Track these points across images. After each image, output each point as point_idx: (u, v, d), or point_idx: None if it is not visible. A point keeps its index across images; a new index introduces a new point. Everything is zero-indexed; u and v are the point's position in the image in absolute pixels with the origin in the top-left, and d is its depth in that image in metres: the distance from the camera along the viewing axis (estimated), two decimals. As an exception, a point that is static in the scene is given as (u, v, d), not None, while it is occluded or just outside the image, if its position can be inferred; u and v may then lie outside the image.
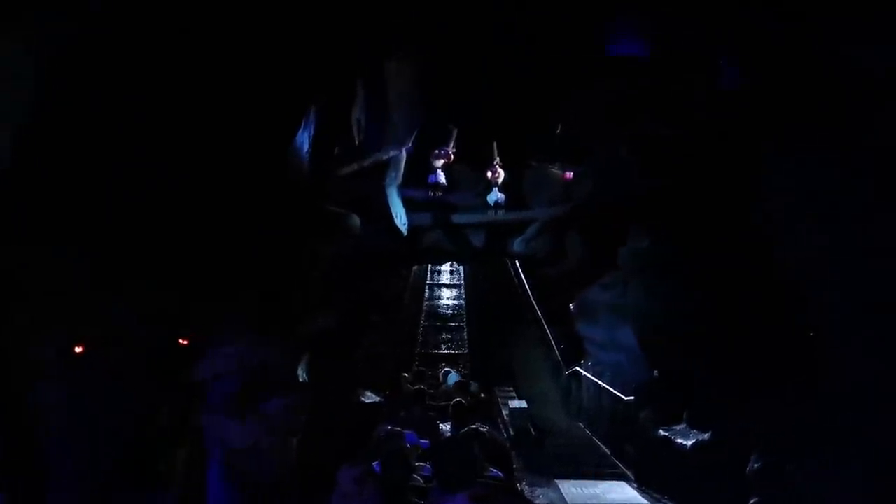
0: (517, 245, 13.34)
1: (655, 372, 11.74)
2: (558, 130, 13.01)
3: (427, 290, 23.55)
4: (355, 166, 11.04)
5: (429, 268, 24.56)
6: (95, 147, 7.31)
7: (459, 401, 7.61)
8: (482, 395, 11.80)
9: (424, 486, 4.77)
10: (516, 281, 21.90)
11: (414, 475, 4.93)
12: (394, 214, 11.67)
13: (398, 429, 5.55)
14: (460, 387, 11.39)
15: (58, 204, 7.30)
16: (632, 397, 11.69)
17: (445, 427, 8.28)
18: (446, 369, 13.82)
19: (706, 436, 9.25)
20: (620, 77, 10.30)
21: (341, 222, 10.93)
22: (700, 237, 11.03)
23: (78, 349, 8.14)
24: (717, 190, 10.47)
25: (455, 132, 13.07)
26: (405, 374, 10.94)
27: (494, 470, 4.50)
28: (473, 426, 4.91)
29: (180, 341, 8.88)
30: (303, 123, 8.94)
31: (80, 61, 6.97)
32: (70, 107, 7.06)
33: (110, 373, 8.16)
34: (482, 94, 12.08)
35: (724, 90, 9.68)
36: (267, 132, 8.45)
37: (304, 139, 9.14)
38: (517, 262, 21.29)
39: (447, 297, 23.37)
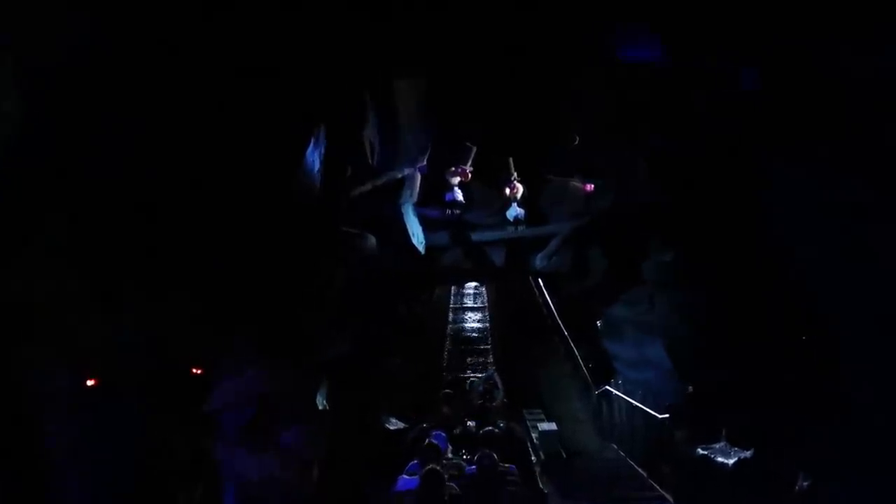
0: (539, 260, 12.91)
1: (690, 388, 11.20)
2: (576, 142, 12.66)
3: (451, 314, 23.19)
4: (369, 186, 10.79)
5: (451, 291, 24.27)
6: (102, 168, 7.11)
7: (490, 429, 7.32)
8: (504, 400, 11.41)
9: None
10: (540, 300, 21.43)
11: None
12: (410, 233, 11.37)
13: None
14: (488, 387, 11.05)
15: (62, 229, 7.11)
16: (666, 415, 11.10)
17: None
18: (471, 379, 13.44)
19: (748, 453, 8.72)
20: (637, 85, 9.95)
21: (356, 243, 10.65)
22: (724, 248, 10.63)
23: (89, 382, 7.96)
24: (739, 199, 10.09)
25: (473, 150, 12.78)
26: (447, 391, 10.43)
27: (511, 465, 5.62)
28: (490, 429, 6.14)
29: (193, 370, 8.63)
30: (312, 142, 8.70)
31: (87, 78, 6.79)
32: (76, 126, 6.87)
33: (121, 406, 7.93)
34: (494, 109, 11.79)
35: (743, 93, 9.28)
36: (276, 151, 8.24)
37: (314, 158, 8.91)
38: (539, 279, 20.92)
39: (471, 320, 22.93)
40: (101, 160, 7.03)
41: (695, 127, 9.95)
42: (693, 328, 11.59)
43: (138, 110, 7.14)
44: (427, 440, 6.39)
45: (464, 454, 7.21)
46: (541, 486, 7.41)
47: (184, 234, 7.82)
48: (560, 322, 19.05)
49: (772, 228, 9.70)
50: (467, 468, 5.98)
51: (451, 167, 12.92)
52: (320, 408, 10.46)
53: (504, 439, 7.05)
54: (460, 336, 21.47)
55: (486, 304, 23.51)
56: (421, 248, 11.30)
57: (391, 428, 13.47)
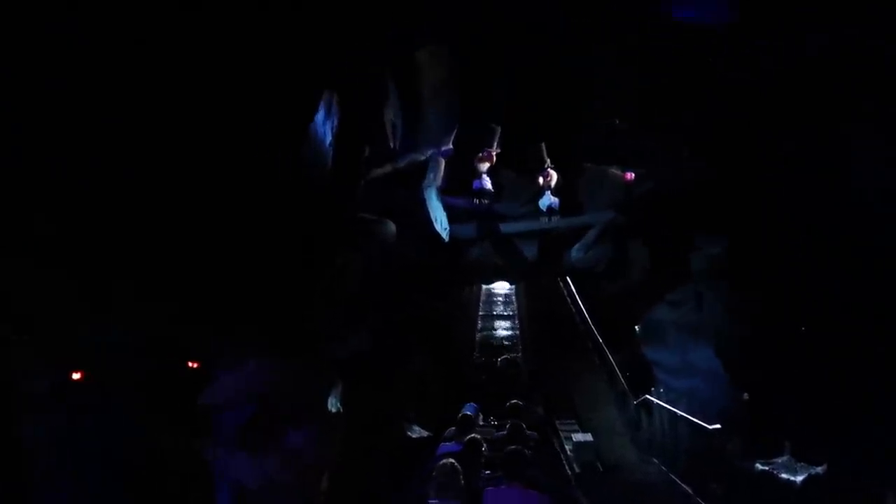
0: (575, 252, 11.85)
1: (745, 395, 10.08)
2: (615, 125, 11.63)
3: (480, 321, 22.39)
4: (389, 168, 9.89)
5: (480, 298, 23.44)
6: (93, 154, 6.33)
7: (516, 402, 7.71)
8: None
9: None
10: (572, 304, 20.43)
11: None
12: (433, 219, 10.42)
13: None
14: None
15: (49, 219, 6.36)
16: (717, 426, 9.98)
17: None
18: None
19: (820, 469, 7.56)
20: (686, 52, 8.89)
21: (373, 229, 9.76)
22: (783, 236, 9.57)
23: (75, 376, 7.21)
24: (799, 181, 9.00)
25: (498, 131, 11.80)
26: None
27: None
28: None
29: (189, 364, 7.79)
30: (322, 110, 7.82)
31: (73, 54, 6.05)
32: (62, 107, 6.12)
33: (109, 404, 7.18)
34: (525, 87, 10.80)
35: (808, 60, 8.17)
36: (281, 118, 7.36)
37: (325, 130, 8.03)
38: (570, 281, 19.92)
39: (501, 328, 22.22)
40: (90, 143, 6.27)
41: (750, 101, 8.85)
42: (748, 328, 10.62)
43: (128, 92, 6.34)
44: (461, 412, 7.00)
45: (493, 421, 8.47)
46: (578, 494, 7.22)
47: (180, 215, 6.98)
48: (593, 327, 18.06)
49: (839, 213, 8.60)
50: (495, 433, 6.92)
51: (477, 153, 11.95)
52: (333, 410, 9.55)
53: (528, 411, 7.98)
54: (489, 344, 20.61)
55: (517, 313, 22.74)
56: (445, 234, 10.35)
57: (413, 436, 12.56)
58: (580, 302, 19.46)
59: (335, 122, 8.19)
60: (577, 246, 11.70)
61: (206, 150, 6.88)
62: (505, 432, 6.45)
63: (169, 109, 6.59)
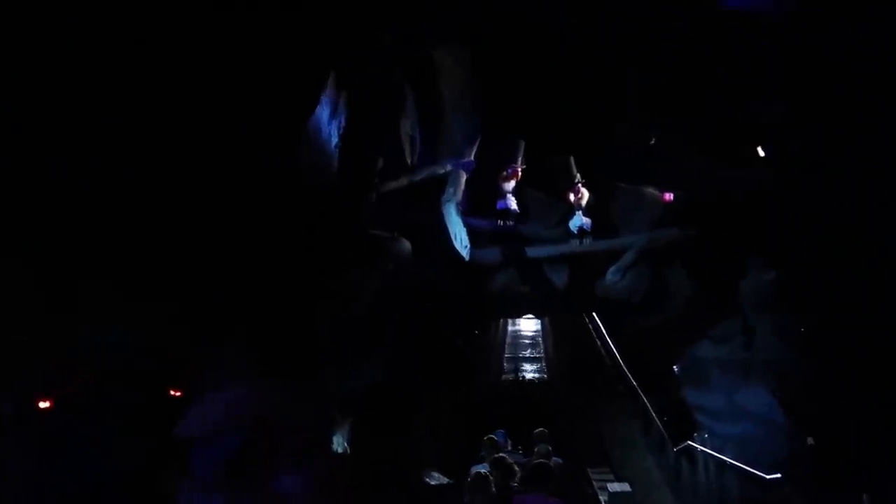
0: (610, 276, 10.72)
1: (810, 440, 8.83)
2: (652, 141, 10.65)
3: (505, 363, 21.29)
4: (405, 181, 8.99)
5: (506, 339, 22.38)
6: (76, 156, 5.60)
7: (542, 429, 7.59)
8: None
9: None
10: (602, 348, 19.24)
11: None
12: (452, 236, 9.46)
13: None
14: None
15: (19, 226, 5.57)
16: (777, 475, 8.70)
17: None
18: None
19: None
20: (733, 49, 7.95)
21: (387, 247, 8.81)
22: (850, 259, 8.45)
23: (43, 404, 6.32)
24: (870, 194, 7.91)
25: (522, 145, 10.88)
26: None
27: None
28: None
29: (170, 391, 6.81)
30: (327, 106, 6.98)
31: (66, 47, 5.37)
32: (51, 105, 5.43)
33: (74, 434, 6.24)
34: (551, 94, 9.89)
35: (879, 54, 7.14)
36: (278, 113, 6.51)
37: (331, 129, 7.18)
38: (600, 319, 18.74)
39: (528, 370, 20.99)
40: (76, 142, 5.56)
41: (809, 104, 7.85)
42: (810, 363, 9.34)
43: (114, 91, 5.62)
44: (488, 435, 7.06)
45: (519, 449, 8.47)
46: None
47: (164, 214, 6.14)
48: (626, 368, 16.79)
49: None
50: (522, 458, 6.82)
51: (501, 170, 11.01)
52: (339, 450, 8.46)
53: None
54: (515, 389, 19.44)
55: (544, 354, 21.65)
56: (465, 253, 9.38)
57: (432, 483, 11.35)
58: (609, 340, 18.24)
59: (342, 123, 7.34)
60: (612, 269, 10.60)
61: (196, 147, 6.08)
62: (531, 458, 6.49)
63: (155, 99, 5.83)
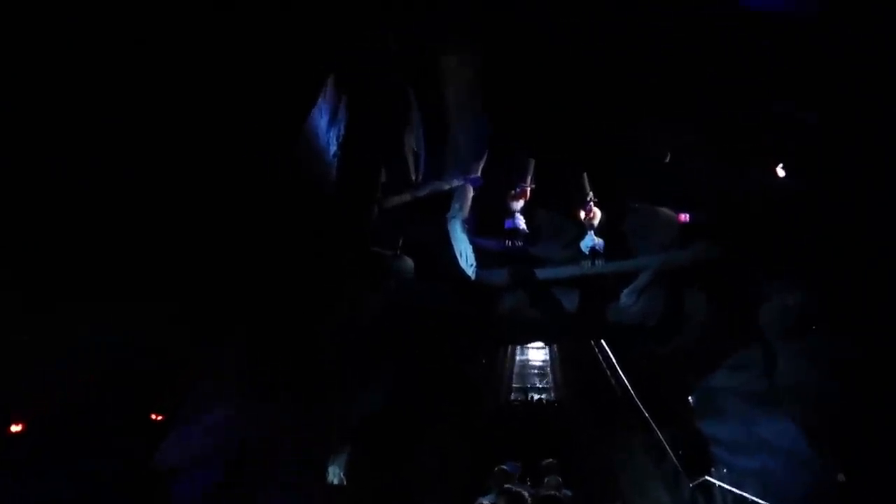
0: (625, 298, 10.17)
1: (840, 476, 8.23)
2: (667, 158, 10.22)
3: (512, 393, 20.71)
4: (408, 197, 8.57)
5: (514, 368, 21.84)
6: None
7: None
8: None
9: None
10: (612, 378, 18.62)
11: None
12: (458, 254, 8.99)
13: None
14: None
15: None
16: (807, 512, 8.11)
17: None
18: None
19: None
20: (758, 53, 7.54)
21: (389, 265, 8.36)
22: (881, 280, 7.94)
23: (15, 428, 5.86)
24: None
25: (532, 164, 10.45)
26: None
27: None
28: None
29: (152, 417, 6.31)
30: (324, 109, 6.60)
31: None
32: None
33: (41, 462, 5.74)
34: (563, 108, 9.49)
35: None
36: (272, 116, 6.13)
37: (330, 136, 6.79)
38: (610, 347, 18.15)
39: (536, 399, 20.43)
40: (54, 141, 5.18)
41: (840, 111, 7.40)
42: (838, 391, 8.74)
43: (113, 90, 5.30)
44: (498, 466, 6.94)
45: (528, 480, 8.17)
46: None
47: (151, 218, 5.73)
48: (637, 398, 16.16)
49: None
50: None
51: (510, 189, 10.56)
52: (334, 482, 7.92)
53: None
54: (523, 418, 18.80)
55: (553, 385, 21.04)
56: (471, 272, 8.90)
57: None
58: (619, 370, 17.63)
59: (342, 131, 6.95)
60: (626, 291, 10.07)
61: (185, 147, 5.69)
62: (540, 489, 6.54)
63: (157, 95, 5.48)
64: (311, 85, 6.40)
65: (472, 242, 9.64)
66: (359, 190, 7.40)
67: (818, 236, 8.74)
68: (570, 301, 10.84)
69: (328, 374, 7.72)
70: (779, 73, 7.35)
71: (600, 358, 19.45)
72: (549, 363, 22.65)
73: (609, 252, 10.52)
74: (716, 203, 9.86)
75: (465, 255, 8.80)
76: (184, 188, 5.76)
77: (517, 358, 22.65)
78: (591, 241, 10.36)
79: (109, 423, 5.99)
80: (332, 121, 6.82)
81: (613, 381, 18.51)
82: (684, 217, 10.59)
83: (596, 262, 10.44)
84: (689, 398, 12.61)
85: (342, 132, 6.91)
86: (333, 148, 6.82)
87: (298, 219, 6.63)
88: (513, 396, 19.90)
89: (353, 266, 7.87)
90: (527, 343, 20.70)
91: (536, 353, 23.05)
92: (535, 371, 22.88)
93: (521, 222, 10.63)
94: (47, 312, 5.56)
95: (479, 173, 9.26)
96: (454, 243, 8.98)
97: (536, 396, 19.95)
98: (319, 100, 6.63)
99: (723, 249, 9.89)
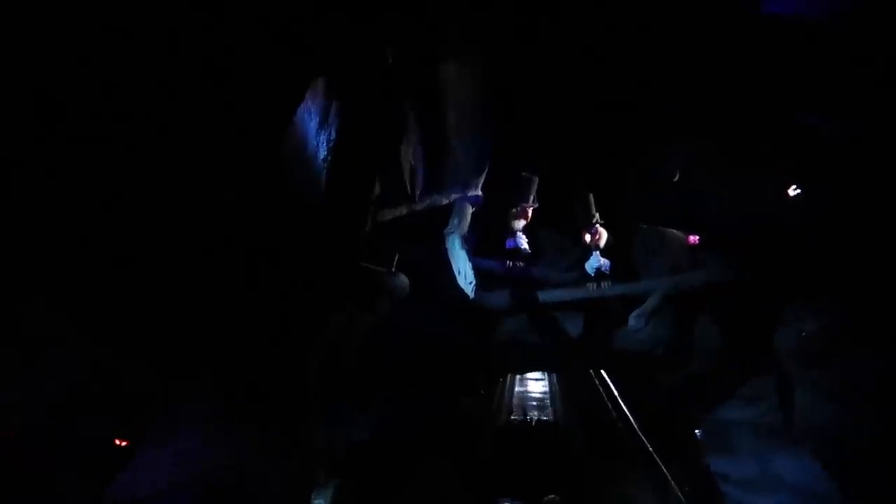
0: (633, 321, 9.59)
1: (862, 517, 7.64)
2: (675, 178, 9.75)
3: (511, 425, 19.97)
4: (404, 210, 8.07)
5: (512, 400, 21.08)
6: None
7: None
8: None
9: None
10: (613, 410, 17.93)
11: None
12: (455, 272, 8.45)
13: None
14: None
15: None
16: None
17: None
18: None
19: None
20: (779, 61, 7.12)
21: (381, 283, 7.83)
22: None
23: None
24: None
25: (535, 182, 9.98)
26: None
27: None
28: None
29: (116, 442, 5.71)
30: (313, 116, 6.14)
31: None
32: None
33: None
34: (571, 121, 9.05)
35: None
36: (255, 117, 5.66)
37: (320, 141, 6.31)
38: (613, 377, 17.52)
39: (536, 433, 19.63)
40: None
41: (869, 123, 6.97)
42: (861, 426, 8.15)
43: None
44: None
45: None
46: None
47: (115, 225, 5.21)
48: (639, 430, 15.48)
49: None
50: None
51: (512, 208, 10.08)
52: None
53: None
54: (522, 454, 18.06)
55: (554, 418, 20.28)
56: (470, 290, 8.35)
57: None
58: (622, 402, 16.97)
59: (333, 135, 6.47)
60: (635, 314, 9.51)
61: (165, 141, 5.18)
62: None
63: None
64: (298, 83, 5.93)
65: (470, 261, 9.14)
66: (351, 200, 6.88)
67: (840, 256, 8.25)
68: (573, 326, 10.28)
69: (314, 401, 7.12)
70: (798, 81, 6.91)
71: (601, 390, 18.83)
72: (547, 395, 21.93)
73: (615, 274, 10.00)
74: (729, 222, 9.36)
75: (464, 273, 8.26)
76: (156, 193, 5.25)
77: (516, 389, 21.93)
78: (596, 261, 9.84)
79: (71, 450, 5.42)
80: (323, 124, 6.34)
81: (615, 414, 17.87)
82: (694, 239, 10.10)
83: (602, 284, 9.92)
84: (697, 432, 12.00)
85: (333, 137, 6.42)
86: (323, 153, 6.33)
87: (283, 229, 6.11)
88: (510, 439, 19.13)
89: (343, 283, 7.32)
90: (527, 372, 19.94)
91: (535, 385, 22.31)
92: (535, 403, 22.16)
93: (523, 242, 10.13)
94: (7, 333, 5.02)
95: (480, 187, 8.77)
96: (452, 260, 8.45)
97: (536, 440, 19.21)
98: (308, 100, 6.15)
99: (737, 271, 9.38)
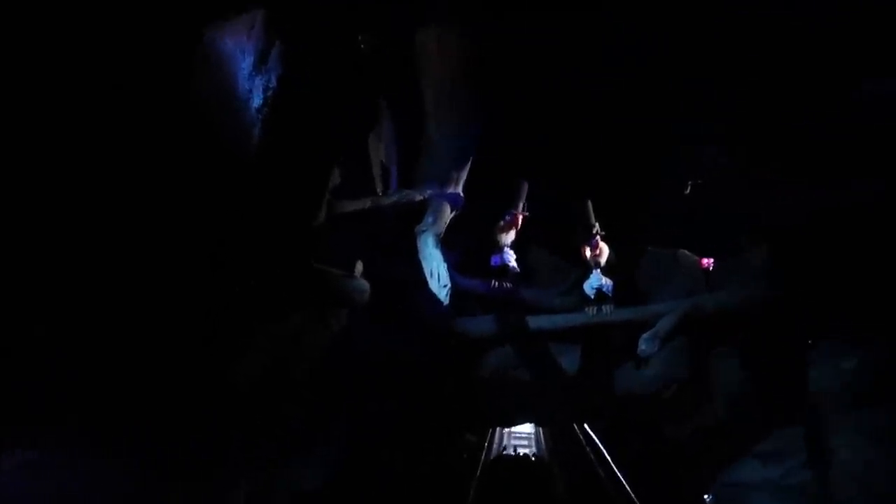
0: (644, 344, 7.99)
1: None
2: (688, 190, 8.50)
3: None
4: (368, 203, 6.65)
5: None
6: None
7: None
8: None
9: None
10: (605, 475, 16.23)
11: None
12: (427, 274, 6.97)
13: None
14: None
15: None
16: None
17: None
18: None
19: None
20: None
21: (337, 288, 6.35)
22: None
23: None
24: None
25: (525, 187, 8.64)
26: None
27: None
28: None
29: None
30: (245, 49, 4.81)
31: None
32: None
33: None
34: (567, 120, 7.81)
35: None
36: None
37: (253, 84, 4.96)
38: (595, 437, 15.76)
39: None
40: None
41: None
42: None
43: None
44: None
45: None
46: None
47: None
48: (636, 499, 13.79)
49: None
50: None
51: (499, 218, 8.72)
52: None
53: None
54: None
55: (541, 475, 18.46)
56: (444, 295, 6.87)
57: None
58: (612, 464, 15.28)
59: (273, 82, 5.10)
60: (645, 336, 7.96)
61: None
62: None
63: None
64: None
65: (446, 261, 7.67)
66: (295, 172, 5.46)
67: (883, 283, 6.96)
68: (570, 360, 8.73)
69: (241, 442, 5.58)
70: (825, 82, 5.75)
71: (587, 449, 17.02)
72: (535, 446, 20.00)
73: (619, 296, 8.54)
74: (752, 239, 8.04)
75: (438, 275, 6.80)
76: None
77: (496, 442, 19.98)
78: (597, 280, 8.41)
79: None
80: (258, 67, 4.99)
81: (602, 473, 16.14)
82: (708, 262, 8.74)
83: (603, 307, 8.43)
84: (707, 497, 10.46)
85: (273, 85, 5.05)
86: (258, 101, 4.95)
87: (200, 200, 4.66)
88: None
89: (285, 286, 5.84)
90: (511, 426, 18.03)
91: (522, 428, 20.33)
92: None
93: (511, 259, 8.72)
94: None
95: (460, 186, 7.39)
96: (424, 261, 7.02)
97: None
98: (241, 33, 4.82)
99: (761, 298, 8.00)
